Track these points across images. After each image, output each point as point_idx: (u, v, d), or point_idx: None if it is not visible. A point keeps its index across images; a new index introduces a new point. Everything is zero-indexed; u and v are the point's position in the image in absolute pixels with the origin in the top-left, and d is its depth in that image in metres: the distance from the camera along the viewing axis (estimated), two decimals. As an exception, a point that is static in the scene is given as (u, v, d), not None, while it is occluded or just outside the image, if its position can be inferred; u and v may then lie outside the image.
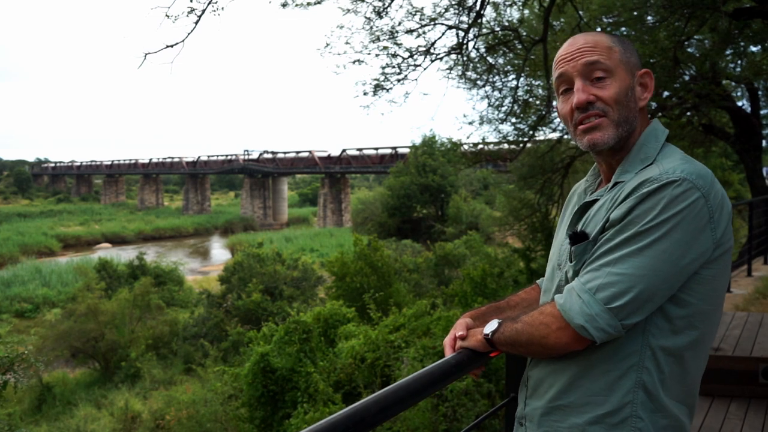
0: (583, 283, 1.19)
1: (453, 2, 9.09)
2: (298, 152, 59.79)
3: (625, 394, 1.21)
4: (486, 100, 12.24)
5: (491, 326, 1.35)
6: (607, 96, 1.26)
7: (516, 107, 11.76)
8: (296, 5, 8.57)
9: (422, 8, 9.27)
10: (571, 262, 1.28)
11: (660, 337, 1.21)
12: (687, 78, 10.19)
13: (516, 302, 1.57)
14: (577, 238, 1.27)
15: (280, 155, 61.47)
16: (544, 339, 1.24)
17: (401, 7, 14.00)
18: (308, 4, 8.63)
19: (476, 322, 1.46)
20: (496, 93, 12.17)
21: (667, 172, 1.17)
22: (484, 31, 9.95)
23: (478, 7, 8.82)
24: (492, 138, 13.94)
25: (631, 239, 1.16)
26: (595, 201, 1.31)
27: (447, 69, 11.08)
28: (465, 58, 10.17)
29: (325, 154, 56.28)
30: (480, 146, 14.92)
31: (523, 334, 1.27)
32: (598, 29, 10.19)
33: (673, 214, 1.14)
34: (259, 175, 60.81)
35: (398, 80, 9.80)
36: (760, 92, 12.17)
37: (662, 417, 1.22)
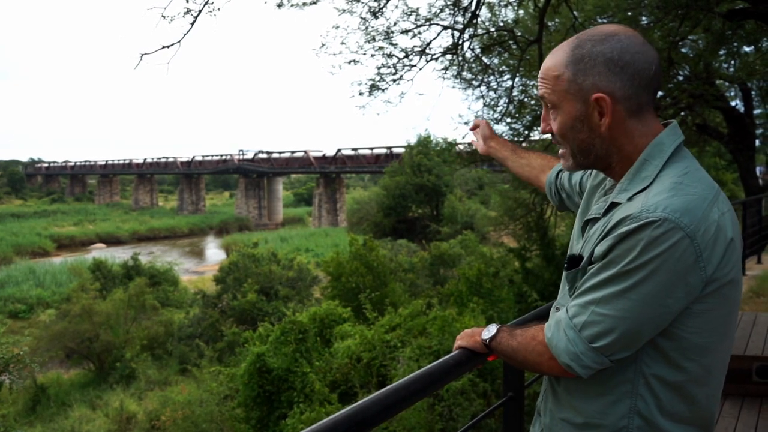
0: (570, 318, 1.19)
1: (448, 3, 9.11)
2: (293, 152, 59.72)
3: (619, 418, 1.21)
4: (481, 101, 12.26)
5: (490, 331, 1.39)
6: (555, 130, 1.26)
7: (511, 107, 11.78)
8: (292, 5, 8.57)
9: (417, 9, 9.30)
10: (566, 286, 1.29)
11: (653, 366, 1.18)
12: (681, 78, 10.24)
13: (526, 156, 1.85)
14: (571, 263, 1.27)
15: (275, 155, 61.37)
16: (538, 365, 1.27)
17: (396, 7, 13.99)
18: (304, 4, 8.63)
19: (493, 140, 1.90)
20: (491, 93, 12.19)
21: (648, 209, 1.10)
22: (480, 31, 9.97)
23: (473, 8, 8.84)
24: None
25: (613, 279, 1.13)
26: (595, 219, 1.28)
27: (442, 69, 11.08)
28: (460, 59, 10.18)
29: (320, 154, 56.23)
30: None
31: (519, 354, 1.31)
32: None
33: (653, 256, 1.08)
34: (254, 174, 60.68)
35: (394, 80, 9.81)
36: (753, 92, 12.24)
37: None
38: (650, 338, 1.15)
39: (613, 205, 1.22)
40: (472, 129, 1.99)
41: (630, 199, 1.17)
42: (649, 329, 1.14)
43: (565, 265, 1.29)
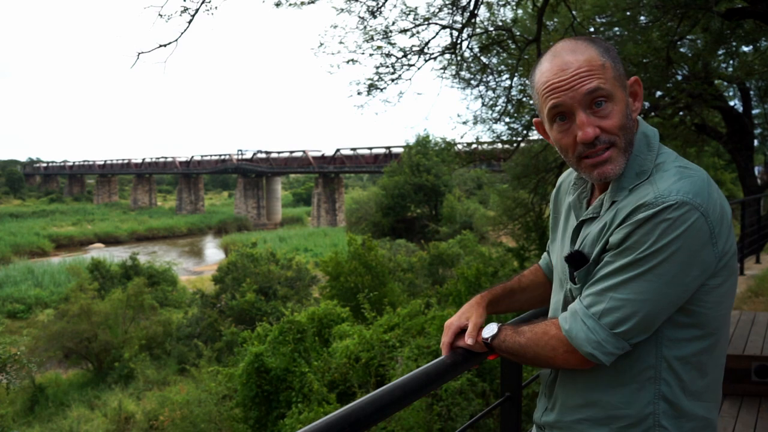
0: (586, 307, 1.19)
1: (447, 2, 9.10)
2: (291, 152, 59.70)
3: (645, 405, 1.21)
4: (480, 100, 12.26)
5: (490, 330, 1.35)
6: (612, 125, 1.19)
7: (509, 107, 11.77)
8: (290, 5, 8.55)
9: (416, 8, 9.28)
10: (574, 284, 1.27)
11: (674, 348, 1.20)
12: (680, 78, 10.24)
13: (526, 284, 1.57)
14: (576, 261, 1.26)
15: (274, 155, 61.35)
16: (552, 360, 1.24)
17: (395, 6, 13.99)
18: (302, 3, 8.61)
19: (490, 308, 1.48)
20: (489, 93, 12.19)
21: (662, 194, 1.13)
22: (478, 30, 9.96)
23: (471, 7, 8.83)
24: (486, 137, 13.99)
25: (632, 264, 1.14)
26: (591, 219, 1.28)
27: (441, 69, 11.07)
28: (459, 58, 10.17)
29: (318, 154, 56.24)
30: (474, 146, 14.94)
31: (529, 351, 1.27)
32: (591, 29, 10.21)
33: (673, 238, 1.11)
34: (252, 174, 60.65)
35: (392, 80, 9.80)
36: (751, 92, 12.25)
37: (687, 421, 1.22)
38: (667, 319, 1.18)
39: (614, 203, 1.22)
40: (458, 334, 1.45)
41: (631, 190, 1.19)
42: (666, 310, 1.16)
43: (569, 264, 1.27)
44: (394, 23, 9.42)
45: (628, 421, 1.22)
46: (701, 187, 1.14)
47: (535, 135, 13.45)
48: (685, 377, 1.21)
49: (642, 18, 9.30)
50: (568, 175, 1.47)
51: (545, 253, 1.63)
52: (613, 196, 1.23)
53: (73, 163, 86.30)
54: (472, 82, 11.84)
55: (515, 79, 11.25)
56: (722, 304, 1.20)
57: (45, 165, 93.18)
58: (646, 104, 11.01)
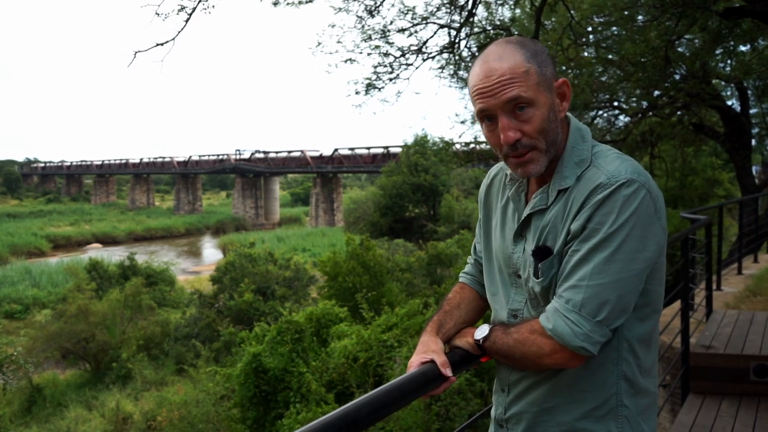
0: (565, 302, 1.20)
1: (445, 1, 9.10)
2: (289, 152, 59.66)
3: (609, 386, 1.26)
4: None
5: (482, 332, 1.35)
6: (532, 130, 1.23)
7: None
8: (287, 4, 8.55)
9: (414, 7, 9.29)
10: (537, 278, 1.27)
11: (632, 328, 1.25)
12: (678, 77, 10.24)
13: (458, 302, 1.52)
14: (541, 254, 1.26)
15: (272, 155, 61.30)
16: (539, 359, 1.24)
17: (393, 5, 13.99)
18: (299, 2, 8.61)
19: (441, 336, 1.42)
20: (487, 92, 12.17)
21: (614, 175, 1.20)
22: (476, 30, 9.96)
23: (469, 6, 8.83)
24: (484, 137, 13.97)
25: (598, 247, 1.18)
26: (540, 210, 1.29)
27: (439, 68, 11.10)
28: (457, 57, 10.18)
29: (317, 154, 56.20)
30: (472, 145, 14.93)
31: (516, 351, 1.27)
32: (589, 28, 10.20)
33: (630, 213, 1.17)
34: (250, 174, 60.60)
35: (390, 79, 9.80)
36: (749, 91, 12.24)
37: (642, 397, 1.29)
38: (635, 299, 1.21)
39: (560, 192, 1.26)
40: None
41: (579, 178, 1.25)
42: (637, 287, 1.20)
43: (534, 259, 1.28)
44: (392, 22, 9.43)
45: (595, 403, 1.26)
46: (640, 168, 1.23)
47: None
48: (641, 355, 1.27)
49: (640, 17, 9.30)
50: (498, 172, 1.49)
51: (469, 265, 1.61)
52: (558, 185, 1.27)
53: (71, 163, 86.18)
54: (471, 81, 11.82)
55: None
56: (661, 279, 1.27)
57: (42, 165, 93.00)
58: (645, 103, 11.02)
